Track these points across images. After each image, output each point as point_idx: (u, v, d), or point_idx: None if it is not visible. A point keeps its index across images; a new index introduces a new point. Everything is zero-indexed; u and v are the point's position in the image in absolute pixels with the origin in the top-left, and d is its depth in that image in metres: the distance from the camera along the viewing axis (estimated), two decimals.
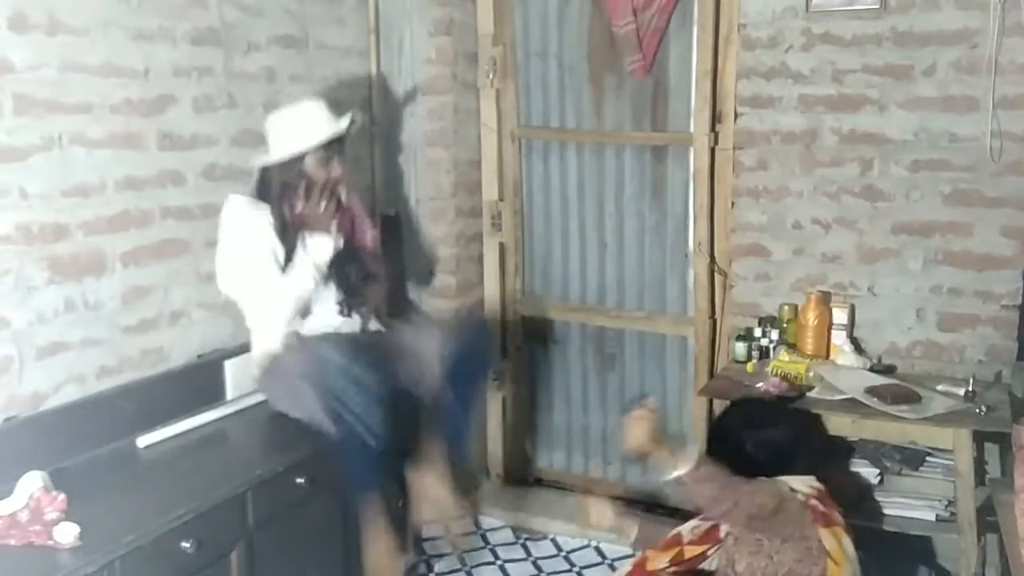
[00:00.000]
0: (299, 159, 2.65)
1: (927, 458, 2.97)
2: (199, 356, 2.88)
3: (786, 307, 3.24)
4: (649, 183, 3.64)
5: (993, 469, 3.02)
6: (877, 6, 3.03)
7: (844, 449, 2.96)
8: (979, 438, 2.85)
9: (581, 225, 3.79)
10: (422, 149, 3.73)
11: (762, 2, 3.19)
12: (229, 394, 2.90)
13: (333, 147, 2.69)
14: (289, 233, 2.67)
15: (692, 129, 3.42)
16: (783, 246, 3.30)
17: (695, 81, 3.39)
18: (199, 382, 2.83)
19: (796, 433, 2.48)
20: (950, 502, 2.85)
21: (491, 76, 3.74)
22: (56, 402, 2.45)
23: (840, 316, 3.16)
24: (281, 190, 2.68)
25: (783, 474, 2.31)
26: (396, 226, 3.75)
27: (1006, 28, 2.88)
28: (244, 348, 2.98)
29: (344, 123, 2.72)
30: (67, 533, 1.99)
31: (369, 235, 2.90)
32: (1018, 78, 2.90)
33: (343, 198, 2.76)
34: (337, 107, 2.79)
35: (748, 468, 2.25)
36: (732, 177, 3.36)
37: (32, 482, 2.12)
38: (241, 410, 2.82)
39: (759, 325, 3.29)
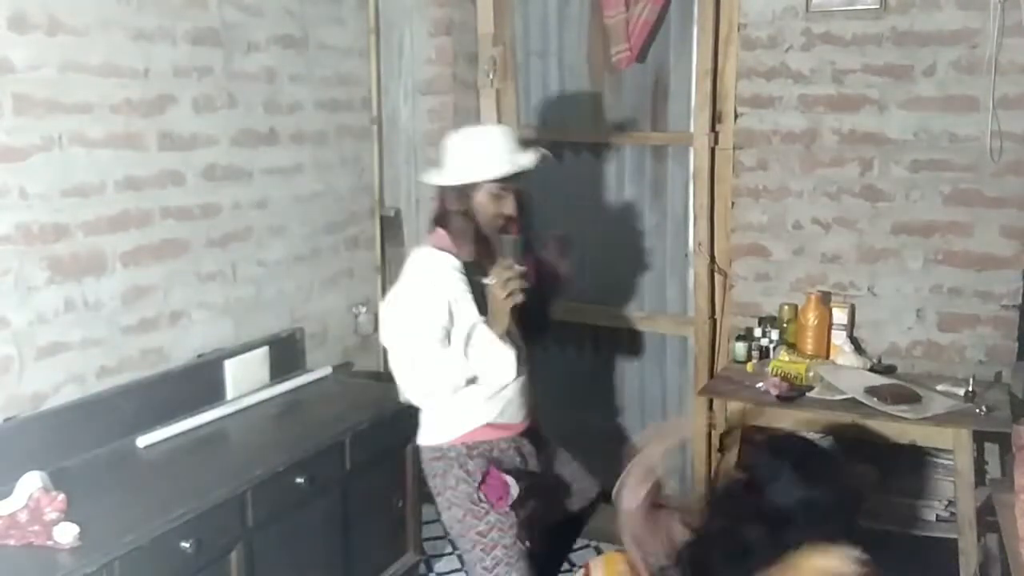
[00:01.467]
0: (471, 188, 2.38)
1: (927, 458, 2.97)
2: (199, 356, 2.88)
3: (786, 307, 3.24)
4: (649, 183, 3.64)
5: (993, 469, 3.02)
6: (877, 6, 3.03)
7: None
8: (979, 438, 2.85)
9: (581, 225, 3.79)
10: (422, 149, 3.73)
11: (762, 2, 3.19)
12: (229, 394, 2.91)
13: (511, 182, 2.40)
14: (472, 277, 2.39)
15: (692, 129, 3.42)
16: (783, 246, 3.30)
17: (695, 81, 3.39)
18: (199, 382, 2.83)
19: (848, 492, 1.94)
20: (950, 502, 2.85)
21: (491, 76, 3.74)
22: (56, 402, 2.45)
23: (840, 316, 3.16)
24: (458, 223, 2.41)
25: (819, 538, 1.82)
26: (396, 226, 3.75)
27: (1006, 28, 2.87)
28: (244, 348, 2.99)
29: (529, 159, 2.42)
30: (67, 533, 1.99)
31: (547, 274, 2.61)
32: (1018, 78, 2.90)
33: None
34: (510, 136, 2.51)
35: (777, 525, 1.82)
36: (732, 177, 3.36)
37: (32, 482, 2.13)
38: (241, 410, 2.83)
39: (759, 325, 3.29)
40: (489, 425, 2.44)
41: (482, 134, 2.50)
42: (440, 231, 2.44)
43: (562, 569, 2.81)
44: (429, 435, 2.49)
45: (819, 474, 1.88)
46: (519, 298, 2.28)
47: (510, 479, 2.38)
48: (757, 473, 1.93)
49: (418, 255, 2.42)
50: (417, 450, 2.56)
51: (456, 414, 2.43)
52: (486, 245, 2.40)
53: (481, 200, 2.38)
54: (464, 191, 2.38)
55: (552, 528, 2.65)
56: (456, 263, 2.38)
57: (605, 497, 2.62)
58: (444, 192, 2.43)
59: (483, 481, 2.39)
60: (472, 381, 2.37)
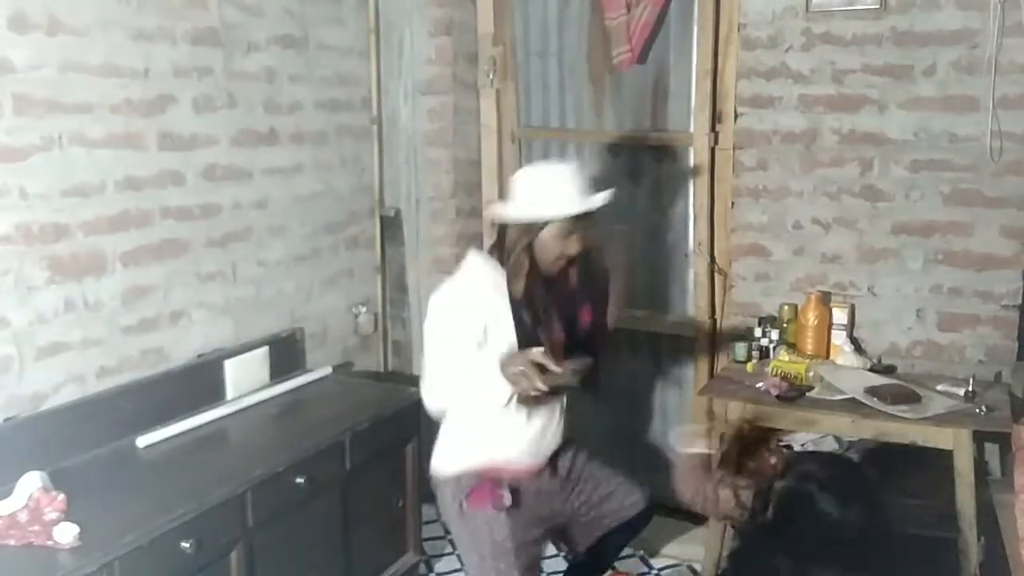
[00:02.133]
0: (540, 224, 2.32)
1: (927, 458, 2.97)
2: (199, 356, 2.88)
3: (786, 307, 3.24)
4: (649, 183, 3.64)
5: (993, 469, 3.01)
6: (877, 6, 3.03)
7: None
8: (979, 438, 2.85)
9: None
10: (422, 149, 3.73)
11: (762, 2, 3.19)
12: (229, 394, 2.91)
13: (580, 222, 2.35)
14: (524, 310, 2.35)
15: (692, 129, 3.42)
16: (783, 246, 3.30)
17: (695, 81, 3.39)
18: (199, 382, 2.83)
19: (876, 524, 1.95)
20: (950, 502, 2.85)
21: (491, 76, 3.75)
22: (56, 402, 2.45)
23: (840, 316, 3.16)
24: (517, 259, 2.36)
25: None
26: (396, 226, 3.75)
27: (1006, 28, 2.87)
28: (244, 348, 2.99)
29: (600, 198, 2.36)
30: (67, 533, 1.99)
31: (585, 321, 2.53)
32: (1018, 78, 2.90)
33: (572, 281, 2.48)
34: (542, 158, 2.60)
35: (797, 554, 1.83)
36: (732, 177, 3.36)
37: (32, 482, 2.13)
38: (241, 410, 2.82)
39: (759, 325, 3.29)
40: (506, 463, 2.40)
41: (554, 171, 2.43)
42: (479, 258, 2.41)
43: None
44: (441, 464, 2.47)
45: (852, 507, 1.88)
46: (524, 390, 2.21)
47: (505, 491, 2.36)
48: (796, 491, 1.89)
49: (477, 262, 2.40)
50: (419, 445, 2.54)
51: (471, 447, 2.41)
52: (539, 283, 2.37)
53: (547, 238, 2.33)
54: (531, 227, 2.32)
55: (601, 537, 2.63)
56: (503, 284, 2.34)
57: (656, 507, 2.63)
58: (507, 226, 2.37)
59: (469, 491, 2.37)
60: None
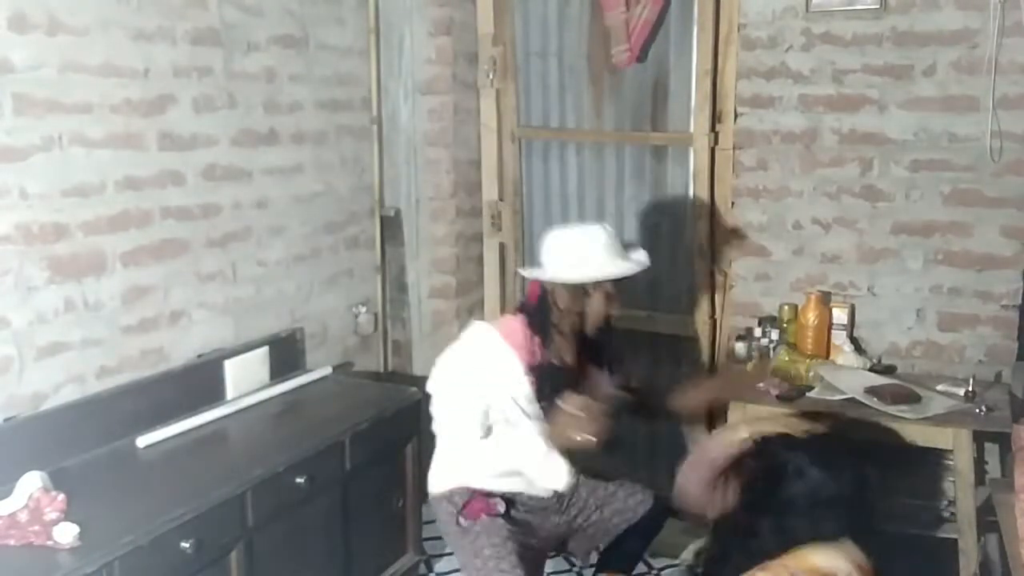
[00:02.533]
0: (591, 287, 2.34)
1: (927, 458, 2.97)
2: (199, 356, 2.88)
3: (786, 307, 3.24)
4: (649, 183, 3.64)
5: (993, 469, 3.02)
6: (877, 6, 3.03)
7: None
8: (979, 438, 2.85)
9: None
10: (422, 149, 3.73)
11: (762, 2, 3.19)
12: (229, 394, 2.90)
13: (621, 282, 2.39)
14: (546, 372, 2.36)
15: (692, 129, 3.42)
16: (783, 246, 3.30)
17: (695, 81, 3.39)
18: (199, 382, 2.83)
19: (859, 490, 1.97)
20: (950, 502, 2.85)
21: (491, 76, 3.75)
22: (56, 402, 2.45)
23: (840, 316, 3.16)
24: (567, 320, 2.39)
25: (826, 534, 1.88)
26: (396, 226, 3.75)
27: (1006, 28, 2.88)
28: (244, 348, 2.99)
29: (644, 258, 2.41)
30: (67, 533, 1.99)
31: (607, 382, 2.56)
32: (1018, 78, 2.91)
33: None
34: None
35: (785, 517, 1.89)
36: (732, 177, 3.36)
37: (32, 482, 2.12)
38: (241, 410, 2.82)
39: (759, 325, 3.29)
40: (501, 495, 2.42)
41: (594, 234, 2.37)
42: (515, 320, 2.40)
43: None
44: (436, 483, 2.48)
45: (832, 470, 1.92)
46: (582, 440, 2.24)
47: (498, 500, 2.38)
48: (773, 463, 1.98)
49: (482, 334, 2.39)
50: (419, 445, 2.53)
51: (467, 470, 2.42)
52: (577, 343, 2.40)
53: (597, 299, 2.35)
54: (581, 290, 2.34)
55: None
56: (517, 364, 2.34)
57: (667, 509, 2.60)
58: (557, 291, 2.36)
59: (463, 506, 2.39)
60: (512, 472, 2.36)
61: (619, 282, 2.37)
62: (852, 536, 1.86)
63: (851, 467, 1.98)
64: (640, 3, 3.39)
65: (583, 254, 2.33)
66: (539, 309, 2.39)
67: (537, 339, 2.36)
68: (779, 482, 1.93)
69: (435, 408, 2.40)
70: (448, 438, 2.40)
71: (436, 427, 2.42)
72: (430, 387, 2.42)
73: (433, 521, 3.51)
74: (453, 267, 3.78)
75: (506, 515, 2.39)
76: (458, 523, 2.40)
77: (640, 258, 2.40)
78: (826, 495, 1.89)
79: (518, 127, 3.81)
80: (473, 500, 2.40)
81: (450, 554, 3.35)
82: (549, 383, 2.34)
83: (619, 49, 3.46)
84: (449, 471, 2.46)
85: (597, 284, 2.34)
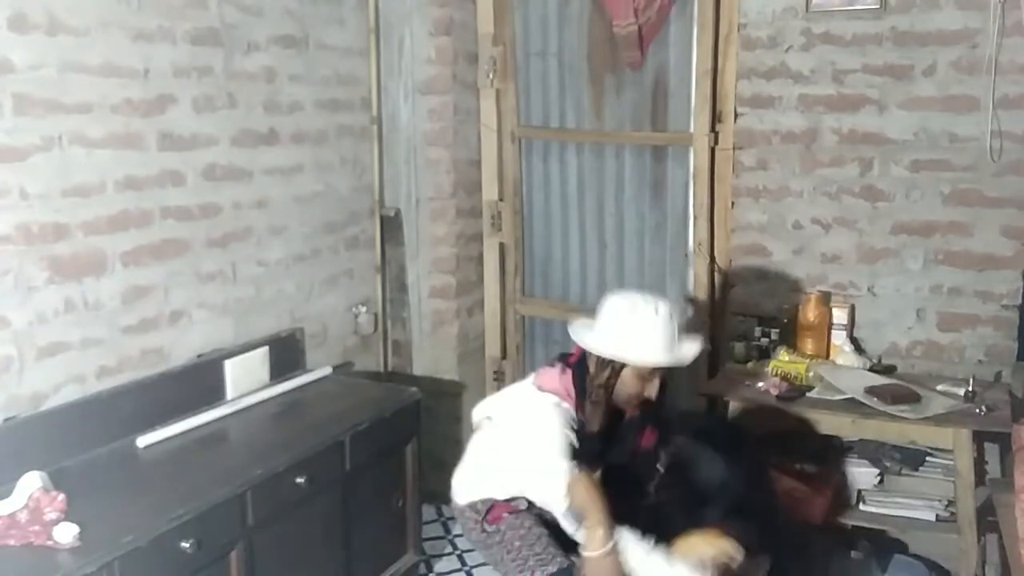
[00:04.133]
0: (620, 365, 2.30)
1: (927, 458, 2.97)
2: (199, 356, 2.88)
3: (786, 307, 3.24)
4: (649, 183, 3.64)
5: (993, 469, 3.02)
6: (877, 6, 3.03)
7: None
8: (979, 438, 2.85)
9: (581, 225, 3.79)
10: (422, 149, 3.73)
11: (762, 2, 3.19)
12: (229, 394, 2.90)
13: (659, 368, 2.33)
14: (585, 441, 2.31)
15: (692, 129, 3.42)
16: (783, 246, 3.30)
17: (695, 81, 3.39)
18: (199, 382, 2.82)
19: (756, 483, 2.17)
20: (950, 502, 2.86)
21: (491, 76, 3.75)
22: (56, 402, 2.45)
23: (840, 316, 3.16)
24: (593, 391, 2.34)
25: (720, 525, 2.09)
26: (396, 226, 3.75)
27: (1006, 28, 2.88)
28: (244, 348, 2.99)
29: (691, 352, 2.33)
30: (66, 533, 1.99)
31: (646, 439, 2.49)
32: (1018, 78, 2.91)
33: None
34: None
35: (690, 503, 2.06)
36: (732, 177, 3.36)
37: (32, 482, 2.12)
38: (241, 410, 2.82)
39: (759, 325, 3.29)
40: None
41: (649, 313, 2.28)
42: (562, 373, 2.36)
43: None
44: (461, 494, 2.49)
45: (733, 465, 2.11)
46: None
47: (520, 500, 2.38)
48: (681, 452, 2.15)
49: (544, 403, 2.31)
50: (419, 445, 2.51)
51: (496, 485, 2.42)
52: (607, 415, 2.35)
53: (628, 377, 2.30)
54: (608, 364, 2.30)
55: None
56: (572, 415, 2.30)
57: None
58: (589, 357, 2.34)
59: (487, 513, 2.41)
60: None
61: (662, 367, 2.30)
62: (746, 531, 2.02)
63: (750, 463, 2.17)
64: (648, 11, 3.39)
65: (624, 330, 2.28)
66: (577, 369, 2.36)
67: (575, 399, 2.32)
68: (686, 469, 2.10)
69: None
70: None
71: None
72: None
73: (434, 521, 3.55)
74: (453, 267, 3.78)
75: (529, 508, 2.39)
76: (483, 530, 2.41)
77: (686, 352, 2.31)
78: (720, 486, 2.06)
79: (518, 127, 3.81)
80: (495, 506, 2.41)
81: (450, 554, 3.36)
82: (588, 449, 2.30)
83: (630, 54, 3.47)
84: (476, 483, 2.46)
85: (626, 364, 2.29)
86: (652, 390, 2.33)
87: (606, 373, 2.31)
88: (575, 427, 2.28)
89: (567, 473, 2.20)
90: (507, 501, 2.40)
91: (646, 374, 2.30)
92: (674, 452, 2.11)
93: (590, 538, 2.16)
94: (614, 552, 2.15)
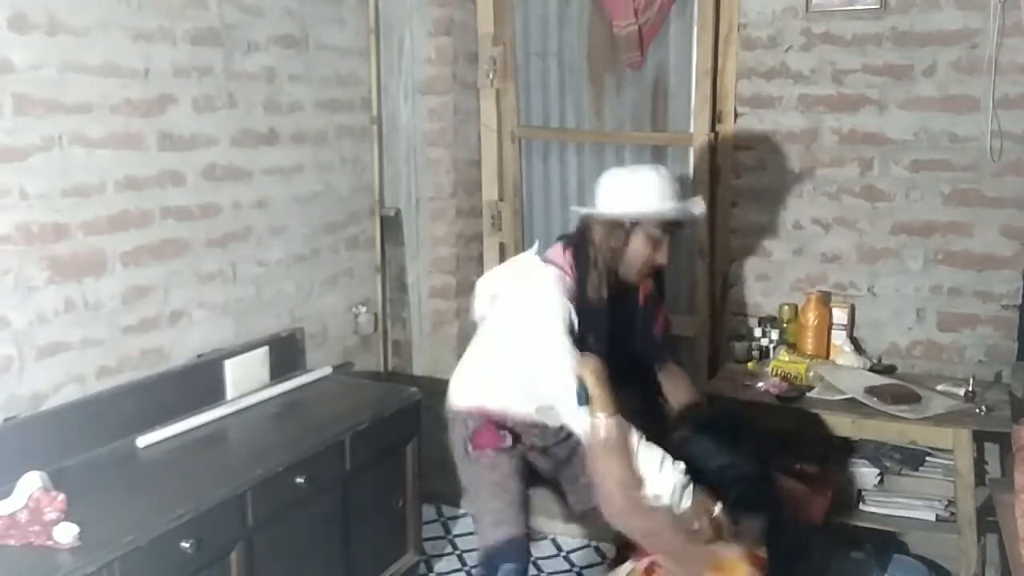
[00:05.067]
0: (633, 226, 2.26)
1: (927, 458, 2.97)
2: (199, 356, 2.88)
3: (786, 307, 3.24)
4: None
5: (993, 469, 3.02)
6: (877, 6, 3.03)
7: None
8: (979, 438, 2.85)
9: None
10: (422, 149, 3.73)
11: (762, 2, 3.19)
12: (229, 394, 2.90)
13: (672, 230, 2.30)
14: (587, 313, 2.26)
15: (692, 129, 3.42)
16: (783, 246, 3.30)
17: (695, 81, 3.39)
18: (199, 382, 2.82)
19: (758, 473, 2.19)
20: (950, 502, 2.86)
21: (491, 76, 3.74)
22: (56, 402, 2.45)
23: (840, 316, 3.16)
24: (600, 256, 2.29)
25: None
26: (396, 226, 3.75)
27: (1006, 28, 2.88)
28: (244, 348, 2.99)
29: (699, 207, 2.33)
30: (66, 533, 1.99)
31: (659, 326, 2.51)
32: (1018, 78, 2.91)
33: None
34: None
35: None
36: (732, 177, 3.36)
37: (32, 482, 2.12)
38: (241, 410, 2.82)
39: (759, 325, 3.29)
40: (515, 413, 2.41)
41: (648, 172, 2.30)
42: (564, 250, 2.31)
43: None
44: (456, 397, 2.49)
45: (736, 452, 2.14)
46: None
47: (506, 434, 2.38)
48: (683, 446, 2.15)
49: (548, 275, 2.26)
50: (419, 445, 2.53)
51: (490, 389, 2.42)
52: (611, 286, 2.31)
53: (638, 241, 2.27)
54: (623, 227, 2.26)
55: None
56: (573, 291, 2.25)
57: None
58: (595, 225, 2.29)
59: (472, 434, 2.40)
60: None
61: (669, 231, 2.27)
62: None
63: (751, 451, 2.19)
64: (648, 11, 3.39)
65: (625, 191, 2.25)
66: (579, 242, 2.31)
67: (574, 271, 2.27)
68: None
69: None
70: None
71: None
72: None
73: (434, 521, 3.55)
74: (453, 267, 3.78)
75: (512, 448, 2.40)
76: (466, 450, 2.42)
77: (692, 207, 2.29)
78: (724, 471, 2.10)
79: (518, 127, 3.81)
80: (483, 429, 2.38)
81: (450, 554, 3.36)
82: (578, 318, 2.25)
83: (630, 55, 3.48)
84: (475, 387, 2.44)
85: (636, 224, 2.25)
86: (663, 255, 2.28)
87: (616, 237, 2.25)
88: (573, 304, 2.22)
89: (572, 349, 2.16)
90: (496, 427, 2.37)
91: (657, 236, 2.26)
92: (676, 446, 2.12)
93: (596, 409, 2.12)
94: (621, 426, 2.10)
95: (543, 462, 2.52)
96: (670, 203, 2.25)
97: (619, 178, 2.33)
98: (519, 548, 2.38)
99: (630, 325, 2.45)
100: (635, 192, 2.26)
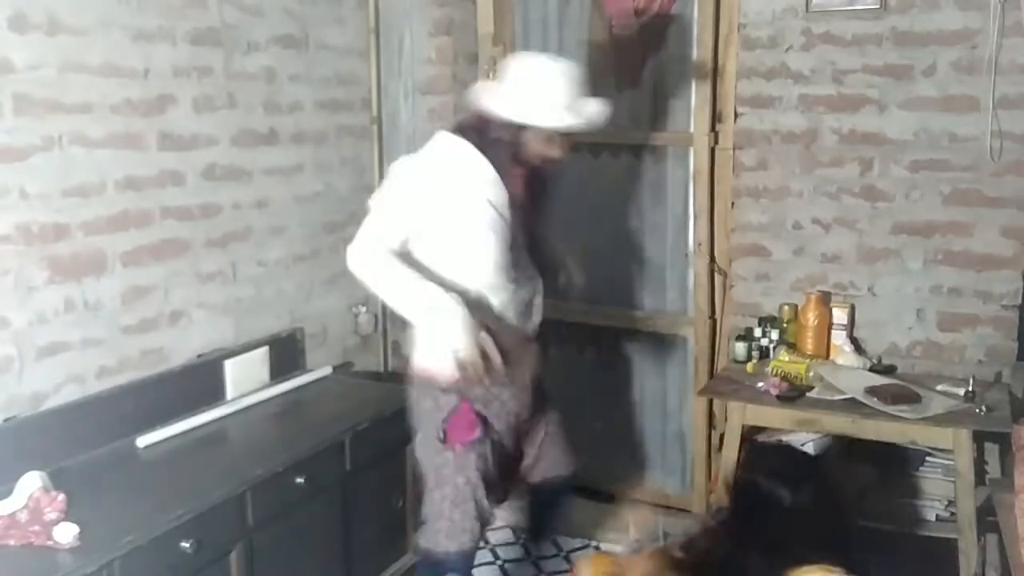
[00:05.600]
0: (522, 125, 2.24)
1: (927, 458, 2.97)
2: (199, 356, 2.88)
3: (786, 307, 3.24)
4: (649, 183, 3.64)
5: (993, 469, 3.02)
6: (877, 6, 3.03)
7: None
8: (979, 438, 2.85)
9: (581, 225, 3.78)
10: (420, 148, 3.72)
11: (762, 2, 3.19)
12: (229, 394, 2.91)
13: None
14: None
15: (692, 129, 3.42)
16: (783, 246, 3.30)
17: (695, 81, 3.39)
18: (199, 382, 2.83)
19: (833, 505, 1.97)
20: (950, 502, 2.86)
21: (491, 76, 3.74)
22: (56, 402, 2.45)
23: (840, 316, 3.16)
24: (495, 148, 2.26)
25: (806, 557, 1.82)
26: None
27: (1006, 28, 2.88)
28: (244, 348, 2.99)
29: (597, 113, 2.31)
30: (66, 533, 1.99)
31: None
32: (1018, 78, 2.91)
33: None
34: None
35: (768, 550, 1.84)
36: (732, 177, 3.36)
37: (32, 482, 2.13)
38: (241, 410, 2.83)
39: (759, 325, 3.29)
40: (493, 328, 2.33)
41: (550, 71, 2.26)
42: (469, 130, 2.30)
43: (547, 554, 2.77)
44: (418, 355, 2.42)
45: (803, 490, 1.88)
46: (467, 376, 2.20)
47: (476, 420, 2.35)
48: (743, 500, 1.96)
49: (444, 141, 2.30)
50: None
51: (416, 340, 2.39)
52: (516, 169, 2.28)
53: (531, 139, 2.25)
54: (514, 125, 2.24)
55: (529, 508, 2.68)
56: (483, 163, 2.24)
57: (578, 490, 2.70)
58: (491, 115, 2.27)
59: (448, 417, 2.35)
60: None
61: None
62: (831, 545, 1.82)
63: (813, 479, 1.95)
64: (648, 12, 3.38)
65: (530, 92, 2.22)
66: (475, 131, 2.28)
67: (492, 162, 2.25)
68: (760, 516, 1.88)
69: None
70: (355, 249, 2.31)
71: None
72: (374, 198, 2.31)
73: None
74: None
75: (481, 440, 2.36)
76: (439, 438, 2.36)
77: (590, 111, 2.27)
78: (800, 517, 1.85)
79: None
80: (455, 417, 2.34)
81: None
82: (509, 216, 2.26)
83: (631, 58, 3.46)
84: (429, 343, 2.36)
85: (526, 127, 2.24)
86: (556, 151, 2.28)
87: (508, 133, 2.24)
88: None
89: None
90: (470, 415, 2.34)
91: (549, 137, 2.25)
92: (745, 493, 1.99)
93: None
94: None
95: (507, 437, 2.46)
96: (566, 112, 2.22)
97: (521, 71, 2.28)
98: (467, 560, 2.41)
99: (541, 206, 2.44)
100: (534, 94, 2.22)
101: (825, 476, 2.09)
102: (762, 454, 2.11)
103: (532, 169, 2.35)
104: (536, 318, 2.47)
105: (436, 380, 2.35)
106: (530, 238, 2.40)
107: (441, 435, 2.36)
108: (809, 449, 2.96)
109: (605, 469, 3.89)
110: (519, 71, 2.28)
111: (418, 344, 2.42)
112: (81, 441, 2.44)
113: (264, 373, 3.06)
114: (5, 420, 2.32)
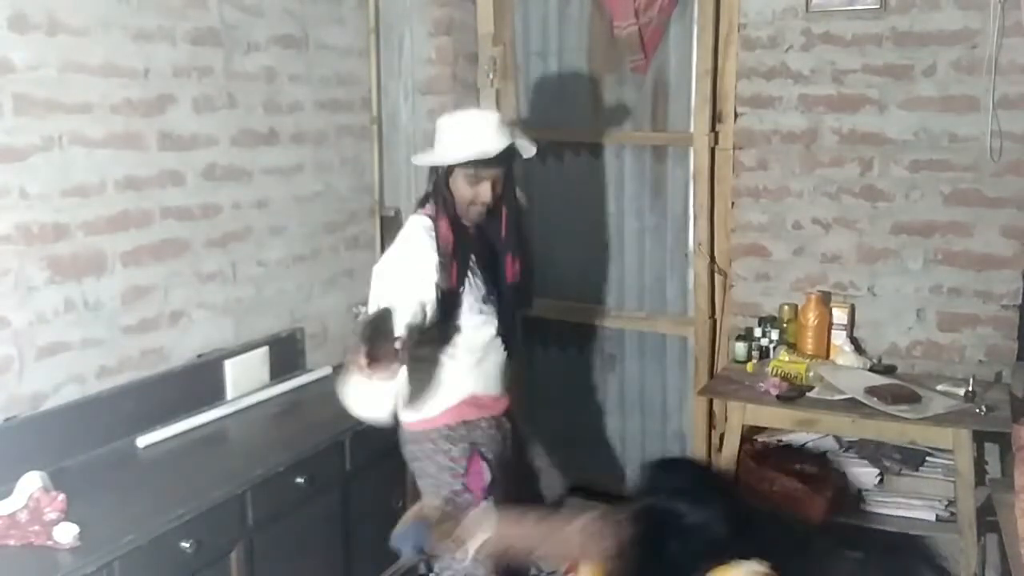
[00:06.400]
0: (449, 171, 2.36)
1: (927, 458, 2.97)
2: (199, 356, 2.88)
3: (786, 307, 3.24)
4: (649, 183, 3.64)
5: (993, 469, 3.02)
6: (877, 6, 3.03)
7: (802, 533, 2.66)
8: (979, 438, 2.85)
9: (581, 225, 3.79)
10: (422, 149, 3.71)
11: (762, 2, 3.19)
12: (229, 394, 2.90)
13: (487, 168, 2.32)
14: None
15: (692, 129, 3.42)
16: (783, 246, 3.30)
17: (695, 81, 3.39)
18: (199, 382, 2.83)
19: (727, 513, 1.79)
20: (950, 502, 2.86)
21: (491, 76, 3.74)
22: (56, 402, 2.45)
23: (840, 316, 3.16)
24: (439, 203, 2.37)
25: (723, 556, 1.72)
26: (396, 226, 3.74)
27: (1006, 28, 2.88)
28: (244, 348, 2.99)
29: (493, 145, 2.30)
30: (66, 533, 1.99)
31: (510, 271, 2.50)
32: (1018, 78, 2.91)
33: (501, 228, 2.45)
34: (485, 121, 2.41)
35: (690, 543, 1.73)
36: (732, 177, 3.36)
37: (32, 482, 2.12)
38: (241, 410, 2.82)
39: (759, 325, 3.29)
40: (473, 398, 2.41)
41: (463, 118, 2.45)
42: (430, 205, 2.43)
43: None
44: (410, 412, 2.43)
45: (708, 508, 1.77)
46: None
47: (485, 466, 2.38)
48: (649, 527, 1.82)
49: (413, 221, 2.41)
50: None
51: (438, 387, 2.40)
52: (461, 226, 2.39)
53: (457, 184, 2.35)
54: (444, 173, 2.37)
55: None
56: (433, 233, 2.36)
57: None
58: (431, 170, 2.43)
59: (467, 472, 2.37)
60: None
61: (487, 167, 2.32)
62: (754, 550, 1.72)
63: (720, 497, 1.84)
64: (649, 12, 3.39)
65: (445, 138, 2.37)
66: (432, 191, 2.41)
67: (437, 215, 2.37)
68: (663, 543, 1.76)
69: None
70: None
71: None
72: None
73: None
74: None
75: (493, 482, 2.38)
76: (461, 488, 2.36)
77: (490, 145, 2.30)
78: (711, 535, 1.74)
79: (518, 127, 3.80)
80: (473, 466, 2.37)
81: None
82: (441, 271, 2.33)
83: (634, 58, 3.48)
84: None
85: (451, 168, 2.34)
86: (483, 194, 2.34)
87: (443, 183, 2.36)
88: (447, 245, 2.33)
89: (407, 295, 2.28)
90: (481, 460, 2.37)
91: (469, 178, 2.33)
92: (641, 516, 1.84)
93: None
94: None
95: (504, 463, 2.47)
96: (469, 147, 2.30)
97: (441, 125, 2.42)
98: None
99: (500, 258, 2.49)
100: (447, 140, 2.37)
101: (730, 486, 2.10)
102: (658, 474, 2.05)
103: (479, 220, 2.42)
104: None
105: (431, 431, 2.40)
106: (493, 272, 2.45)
107: (463, 486, 2.37)
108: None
109: (605, 469, 3.90)
110: (439, 127, 2.43)
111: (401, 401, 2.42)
112: (81, 441, 2.44)
113: (264, 373, 3.06)
114: (5, 420, 2.32)
